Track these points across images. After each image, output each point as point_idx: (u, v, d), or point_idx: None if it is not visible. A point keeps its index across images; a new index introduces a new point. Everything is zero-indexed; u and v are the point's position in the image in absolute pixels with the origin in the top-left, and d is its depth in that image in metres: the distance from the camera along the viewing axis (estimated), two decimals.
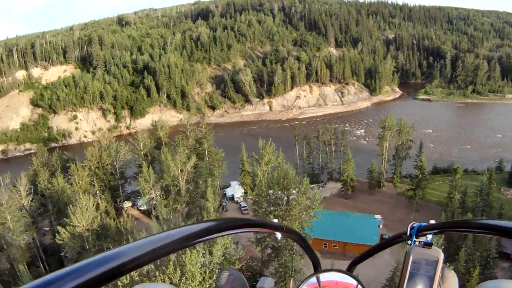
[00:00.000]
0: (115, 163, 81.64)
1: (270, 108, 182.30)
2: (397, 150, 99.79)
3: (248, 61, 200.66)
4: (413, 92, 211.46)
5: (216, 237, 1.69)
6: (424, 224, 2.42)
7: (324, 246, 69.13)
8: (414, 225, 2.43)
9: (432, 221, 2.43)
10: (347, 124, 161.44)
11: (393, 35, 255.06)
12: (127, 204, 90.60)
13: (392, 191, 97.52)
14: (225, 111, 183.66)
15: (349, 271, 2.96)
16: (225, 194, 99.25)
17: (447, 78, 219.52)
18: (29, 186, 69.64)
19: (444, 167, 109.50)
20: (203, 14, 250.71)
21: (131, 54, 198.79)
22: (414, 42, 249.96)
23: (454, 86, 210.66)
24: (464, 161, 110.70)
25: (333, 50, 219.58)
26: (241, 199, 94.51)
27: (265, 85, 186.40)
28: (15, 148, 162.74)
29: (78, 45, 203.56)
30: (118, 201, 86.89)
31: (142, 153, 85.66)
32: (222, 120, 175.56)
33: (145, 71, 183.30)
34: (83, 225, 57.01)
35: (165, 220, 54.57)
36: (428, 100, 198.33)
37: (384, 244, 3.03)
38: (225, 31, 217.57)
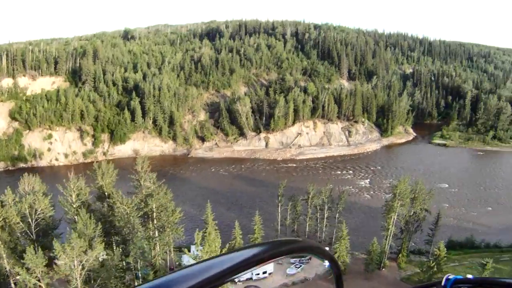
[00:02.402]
0: (29, 220, 62.76)
1: (266, 145, 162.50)
2: (407, 222, 79.37)
3: (250, 89, 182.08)
4: (428, 135, 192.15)
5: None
6: (460, 277, 2.41)
7: None
8: (450, 277, 2.42)
9: (470, 276, 2.40)
10: (350, 171, 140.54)
11: (411, 70, 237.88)
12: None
13: (395, 274, 77.21)
14: (216, 144, 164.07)
15: None
16: (179, 263, 76.95)
17: (466, 120, 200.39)
18: None
19: (461, 241, 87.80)
20: (212, 34, 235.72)
21: (125, 71, 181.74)
22: (433, 78, 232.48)
23: (473, 130, 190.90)
24: (485, 230, 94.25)
25: (345, 83, 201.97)
26: None
27: (264, 118, 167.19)
28: None
29: (72, 57, 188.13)
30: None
31: (74, 206, 65.85)
32: (210, 155, 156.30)
33: (134, 92, 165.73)
34: None
35: None
36: (444, 145, 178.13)
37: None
38: (230, 54, 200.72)
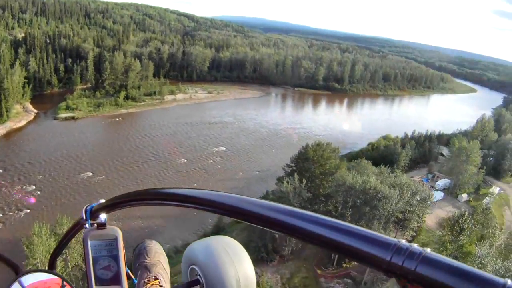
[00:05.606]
0: None
1: None
2: None
3: None
4: (52, 108, 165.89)
5: None
6: (95, 204, 2.36)
7: None
8: (88, 207, 2.36)
9: (102, 200, 2.38)
10: None
11: (23, 35, 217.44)
12: None
13: None
14: None
15: (51, 266, 3.01)
16: None
17: (92, 83, 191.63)
18: None
19: None
20: None
21: None
22: (49, 41, 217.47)
23: (101, 94, 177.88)
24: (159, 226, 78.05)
25: None
26: None
27: None
28: None
29: None
30: None
31: None
32: None
33: None
34: None
35: None
36: (73, 118, 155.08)
37: (67, 234, 2.91)
38: None
